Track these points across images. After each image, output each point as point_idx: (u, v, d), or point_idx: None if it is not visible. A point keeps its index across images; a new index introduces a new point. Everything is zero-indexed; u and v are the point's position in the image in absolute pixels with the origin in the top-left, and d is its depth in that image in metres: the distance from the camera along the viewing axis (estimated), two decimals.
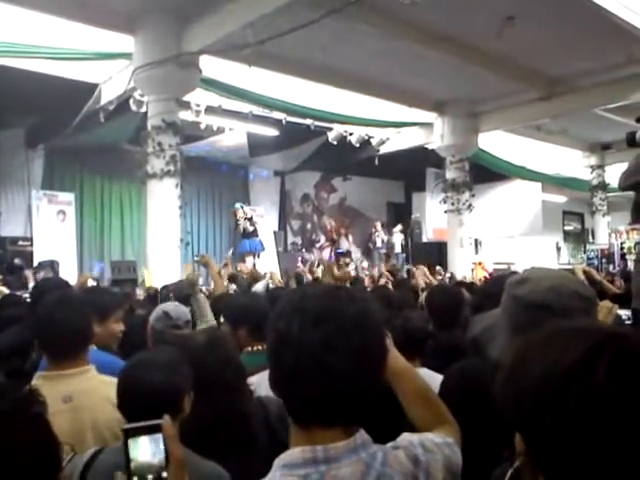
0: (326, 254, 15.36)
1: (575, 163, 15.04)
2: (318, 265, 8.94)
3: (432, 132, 11.60)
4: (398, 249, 14.35)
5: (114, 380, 1.70)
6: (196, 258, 6.22)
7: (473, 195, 11.77)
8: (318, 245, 15.48)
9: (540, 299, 1.34)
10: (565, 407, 0.71)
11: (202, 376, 1.76)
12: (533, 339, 0.83)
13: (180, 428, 1.56)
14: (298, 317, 1.05)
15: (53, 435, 0.98)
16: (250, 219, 12.34)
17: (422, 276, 5.61)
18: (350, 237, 15.92)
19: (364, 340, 1.06)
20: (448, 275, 9.91)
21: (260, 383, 2.00)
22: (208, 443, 1.58)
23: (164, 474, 1.00)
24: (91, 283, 5.15)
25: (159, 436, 1.01)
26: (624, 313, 1.75)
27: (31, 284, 6.85)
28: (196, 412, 1.68)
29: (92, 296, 2.78)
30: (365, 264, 12.67)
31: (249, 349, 2.60)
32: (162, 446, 1.01)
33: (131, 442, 1.00)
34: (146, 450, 1.01)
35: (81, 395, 1.99)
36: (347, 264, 12.67)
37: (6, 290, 5.49)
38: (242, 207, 12.45)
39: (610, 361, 0.71)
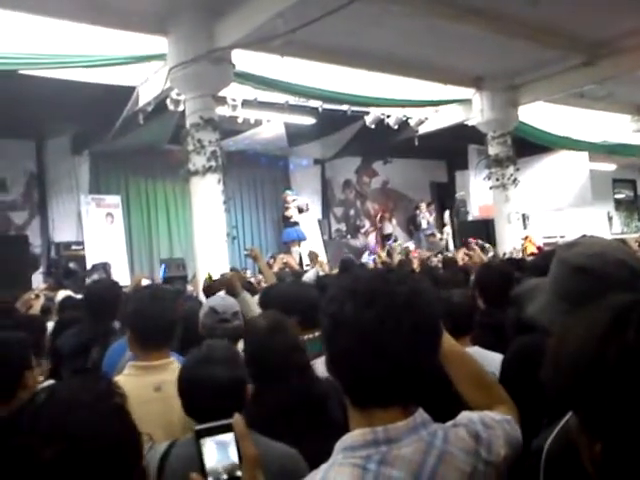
0: (372, 239, 15.31)
1: (623, 128, 14.52)
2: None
3: (471, 108, 11.36)
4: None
5: None
6: (245, 252, 6.30)
7: (518, 169, 11.50)
8: (363, 230, 15.43)
9: (582, 262, 1.31)
10: (605, 371, 0.75)
11: (270, 361, 1.80)
12: (572, 318, 0.86)
13: (249, 416, 1.60)
14: (350, 299, 1.06)
15: (133, 424, 1.03)
16: (300, 209, 12.52)
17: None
18: (394, 220, 15.79)
19: (417, 319, 1.06)
20: (491, 254, 9.68)
21: (316, 370, 2.02)
22: (287, 426, 1.61)
23: (238, 473, 1.01)
24: (145, 282, 5.28)
25: (231, 435, 1.02)
26: None
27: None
28: (272, 397, 1.72)
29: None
30: (412, 246, 12.56)
31: (301, 338, 2.62)
32: (234, 445, 1.02)
33: (203, 443, 1.01)
34: (219, 450, 1.02)
35: (169, 385, 2.10)
36: (393, 248, 12.61)
37: (67, 292, 5.68)
38: (292, 195, 12.84)
39: (638, 321, 0.76)
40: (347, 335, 1.05)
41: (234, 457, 1.01)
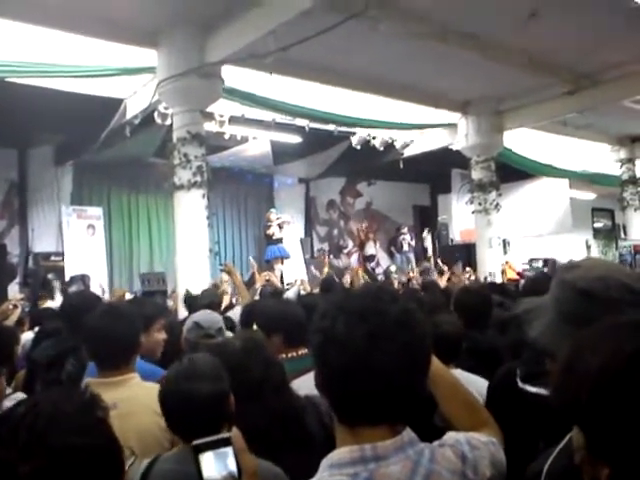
0: (354, 259, 15.33)
1: (603, 158, 14.77)
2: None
3: (456, 132, 11.50)
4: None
5: (156, 386, 1.74)
6: (220, 267, 6.34)
7: (500, 195, 11.63)
8: (346, 251, 15.45)
9: (585, 286, 1.29)
10: (630, 390, 0.72)
11: (247, 380, 1.77)
12: (587, 335, 0.84)
13: None
14: (342, 316, 1.05)
15: (116, 438, 1.00)
16: (280, 226, 12.55)
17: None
18: (377, 242, 15.84)
19: (408, 338, 1.05)
20: (472, 277, 9.72)
21: (299, 388, 2.00)
22: (264, 444, 1.59)
23: None
24: (128, 297, 5.24)
25: (229, 449, 1.00)
26: None
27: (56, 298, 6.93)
28: (248, 415, 1.69)
29: (135, 306, 2.83)
30: (393, 268, 12.60)
31: (284, 356, 2.59)
32: (233, 459, 1.00)
33: (202, 457, 0.99)
34: (218, 464, 1.00)
35: (125, 402, 2.05)
36: (373, 269, 12.66)
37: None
38: (276, 213, 12.96)
39: None
40: (337, 351, 1.04)
41: (233, 470, 1.00)
